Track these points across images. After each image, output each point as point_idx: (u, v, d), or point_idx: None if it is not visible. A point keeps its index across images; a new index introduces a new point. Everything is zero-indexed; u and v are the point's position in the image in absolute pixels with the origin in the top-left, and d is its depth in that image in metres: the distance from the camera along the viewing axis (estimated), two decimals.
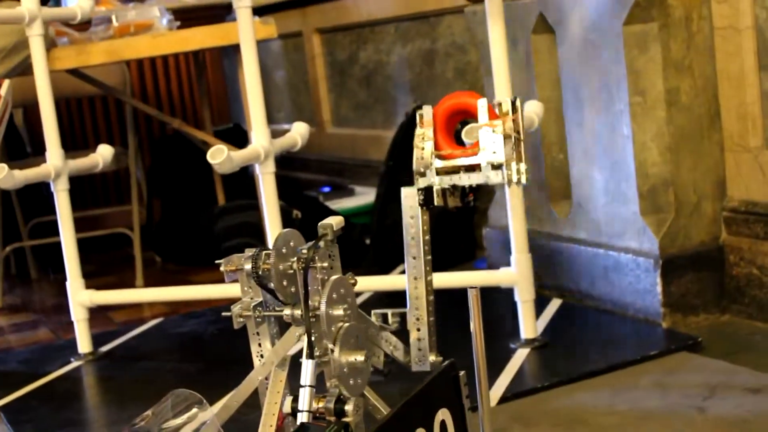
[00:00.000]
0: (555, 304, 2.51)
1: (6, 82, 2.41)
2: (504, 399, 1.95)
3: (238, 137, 4.00)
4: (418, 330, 1.56)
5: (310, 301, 1.37)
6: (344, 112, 4.05)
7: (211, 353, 2.50)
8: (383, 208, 3.15)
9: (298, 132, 2.43)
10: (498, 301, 2.46)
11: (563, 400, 1.92)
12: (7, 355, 2.71)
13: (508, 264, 2.24)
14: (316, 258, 1.40)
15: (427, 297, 1.57)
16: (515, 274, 2.20)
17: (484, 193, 3.03)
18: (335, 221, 1.45)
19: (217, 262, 1.49)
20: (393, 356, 1.55)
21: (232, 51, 3.96)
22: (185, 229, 3.74)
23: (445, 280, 2.21)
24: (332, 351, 1.36)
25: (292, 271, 1.42)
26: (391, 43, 3.65)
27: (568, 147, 2.49)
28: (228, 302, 2.92)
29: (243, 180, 3.72)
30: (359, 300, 2.47)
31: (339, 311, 1.39)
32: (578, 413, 1.84)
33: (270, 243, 2.23)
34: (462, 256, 3.02)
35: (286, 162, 4.22)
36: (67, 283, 2.51)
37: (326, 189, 3.78)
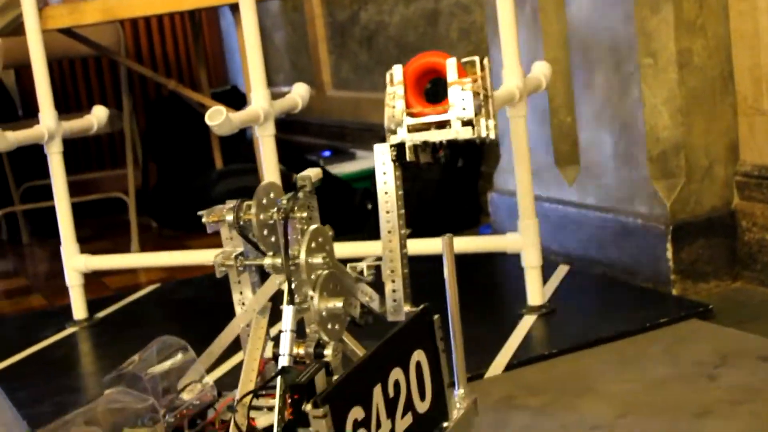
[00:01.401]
0: (562, 270, 2.46)
1: None
2: (510, 366, 1.91)
3: (236, 99, 3.94)
4: (393, 282, 1.61)
5: (290, 250, 1.42)
6: (345, 75, 4.00)
7: (208, 319, 2.44)
8: None
9: (298, 93, 2.38)
10: (504, 267, 2.42)
11: (571, 367, 1.89)
12: (0, 321, 2.66)
13: (514, 229, 2.20)
14: (296, 208, 1.45)
15: (400, 250, 1.62)
16: (522, 239, 2.15)
17: (489, 158, 2.98)
18: (313, 173, 1.50)
19: (199, 213, 1.53)
20: (369, 307, 1.60)
21: (230, 11, 3.90)
22: (182, 194, 3.69)
23: (438, 246, 2.15)
24: (312, 297, 1.42)
25: (272, 222, 1.47)
26: (393, 3, 3.59)
27: (576, 110, 2.43)
28: None
29: (241, 144, 3.67)
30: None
31: (318, 259, 1.44)
32: (586, 381, 1.81)
33: None
34: (466, 221, 2.98)
35: (285, 126, 4.16)
36: (62, 248, 2.46)
37: (327, 153, 3.73)
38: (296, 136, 4.29)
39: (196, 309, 2.56)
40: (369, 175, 3.30)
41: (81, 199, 3.52)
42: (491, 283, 2.45)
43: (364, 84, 3.87)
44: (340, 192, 3.21)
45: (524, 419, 1.67)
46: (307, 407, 1.20)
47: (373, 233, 3.05)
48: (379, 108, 4.08)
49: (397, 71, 1.60)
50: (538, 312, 2.16)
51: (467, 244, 2.25)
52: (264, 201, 1.47)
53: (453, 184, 2.97)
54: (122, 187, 3.70)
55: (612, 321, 2.08)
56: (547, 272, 2.35)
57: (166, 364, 1.47)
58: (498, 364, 1.91)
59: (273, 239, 1.48)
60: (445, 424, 1.44)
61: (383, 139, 3.50)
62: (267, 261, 1.47)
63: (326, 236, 1.48)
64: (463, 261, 2.17)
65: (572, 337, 2.01)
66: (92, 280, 2.86)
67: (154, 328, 2.44)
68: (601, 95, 2.33)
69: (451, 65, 1.57)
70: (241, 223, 1.47)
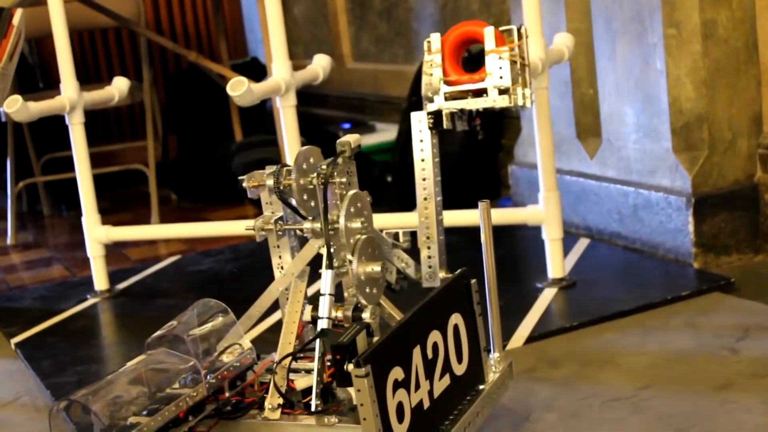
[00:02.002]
0: (583, 243, 2.45)
1: (18, 11, 2.34)
2: (531, 339, 1.91)
3: (256, 71, 3.93)
4: (428, 248, 1.64)
5: (329, 215, 1.46)
6: (365, 46, 3.98)
7: (229, 291, 2.46)
8: (405, 146, 3.09)
9: (319, 64, 2.37)
10: (525, 240, 2.41)
11: (592, 340, 1.89)
12: (22, 292, 2.68)
13: (534, 202, 2.18)
14: (335, 174, 1.47)
15: (436, 216, 1.64)
16: (543, 211, 2.14)
17: (510, 130, 2.97)
18: (353, 139, 1.53)
19: (240, 177, 1.55)
20: (405, 273, 1.63)
21: None
22: (201, 166, 3.69)
23: (470, 217, 2.15)
24: (350, 262, 1.44)
25: (312, 187, 1.49)
26: None
27: (599, 81, 2.41)
28: (246, 240, 2.91)
29: (260, 116, 3.66)
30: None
31: (357, 224, 1.46)
32: (607, 354, 1.81)
33: None
34: (486, 194, 2.97)
35: (305, 98, 4.14)
36: (83, 219, 2.46)
37: (346, 125, 3.72)
38: (315, 109, 4.28)
39: (216, 280, 2.56)
40: (388, 148, 3.29)
41: (101, 170, 3.52)
42: (512, 255, 2.44)
43: (383, 56, 3.85)
44: (359, 164, 3.20)
45: (545, 391, 1.67)
46: (350, 367, 1.21)
47: (392, 206, 3.05)
48: (399, 80, 4.08)
49: (435, 39, 1.62)
50: (559, 285, 2.16)
51: None
52: (304, 166, 1.49)
53: (473, 156, 2.95)
54: (142, 159, 3.70)
55: (633, 294, 2.07)
56: (567, 245, 2.34)
57: (207, 327, 1.49)
58: (519, 337, 1.91)
59: (312, 204, 1.50)
60: (481, 387, 1.46)
61: (403, 112, 3.50)
62: (306, 225, 1.50)
63: (364, 201, 1.50)
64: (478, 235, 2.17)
65: (593, 310, 2.00)
66: (113, 251, 2.87)
67: (175, 299, 2.45)
68: (624, 67, 2.31)
69: (488, 34, 1.59)
70: (281, 187, 1.49)
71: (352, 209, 1.46)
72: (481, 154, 3.00)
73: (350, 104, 4.07)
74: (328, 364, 1.41)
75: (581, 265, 2.30)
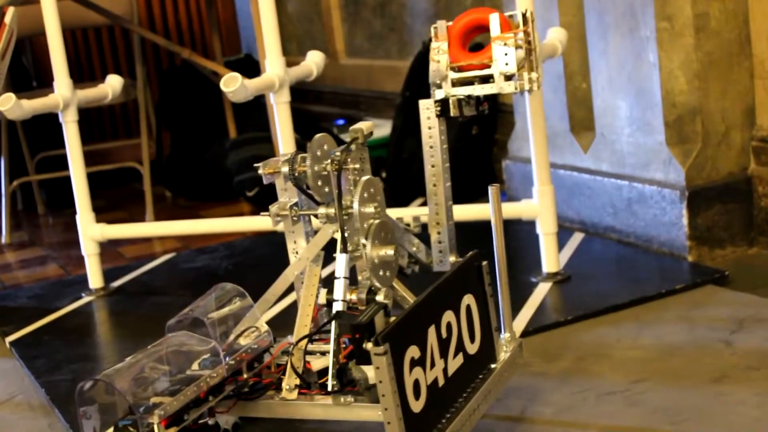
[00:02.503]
0: (577, 237, 2.45)
1: (11, 10, 2.34)
2: (526, 333, 1.91)
3: (250, 68, 3.92)
4: (438, 233, 1.66)
5: (343, 200, 1.49)
6: (358, 42, 3.97)
7: None
8: (399, 141, 3.09)
9: (313, 61, 2.37)
10: (519, 234, 2.41)
11: (586, 334, 1.89)
12: (16, 291, 2.68)
13: (528, 197, 2.19)
14: (349, 160, 1.51)
15: (446, 202, 1.66)
16: (537, 206, 2.14)
17: (504, 125, 2.97)
18: (365, 126, 1.55)
19: (255, 165, 1.59)
20: (416, 257, 1.65)
21: None
22: (196, 163, 3.69)
23: (465, 212, 2.16)
24: (364, 246, 1.47)
25: (326, 173, 1.53)
26: None
27: (592, 75, 2.41)
28: (241, 236, 2.91)
29: (254, 112, 3.65)
30: None
31: (370, 209, 1.50)
32: (602, 347, 1.81)
33: None
34: (480, 189, 2.96)
35: (299, 94, 4.13)
36: (77, 217, 2.46)
37: (340, 122, 3.72)
38: (310, 105, 4.28)
39: (211, 278, 2.56)
40: (383, 144, 3.28)
41: (96, 168, 3.52)
42: (506, 250, 2.42)
43: (377, 52, 3.85)
44: None
45: (540, 385, 1.67)
46: (369, 345, 1.23)
47: (387, 201, 3.04)
48: (393, 75, 4.08)
49: (441, 26, 1.63)
50: (553, 279, 2.16)
51: (482, 211, 2.24)
52: (318, 153, 1.53)
53: (467, 151, 2.95)
54: (136, 156, 3.69)
55: (627, 287, 2.08)
56: (562, 239, 2.34)
57: (225, 310, 1.52)
58: (514, 331, 1.90)
59: (326, 190, 1.54)
60: (492, 366, 1.49)
61: (397, 107, 3.50)
62: (321, 211, 1.53)
63: (377, 187, 1.53)
64: (478, 228, 2.16)
65: (588, 304, 2.00)
66: (108, 249, 2.87)
67: (170, 296, 2.45)
68: (617, 60, 2.31)
69: (494, 20, 1.59)
70: (296, 174, 1.53)
71: (365, 195, 1.50)
72: (475, 149, 3.00)
73: (344, 100, 4.07)
74: (344, 345, 1.44)
75: (576, 259, 2.31)
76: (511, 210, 2.22)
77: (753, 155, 2.25)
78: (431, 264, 1.67)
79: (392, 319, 1.33)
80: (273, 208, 1.57)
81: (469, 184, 2.94)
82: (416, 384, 1.28)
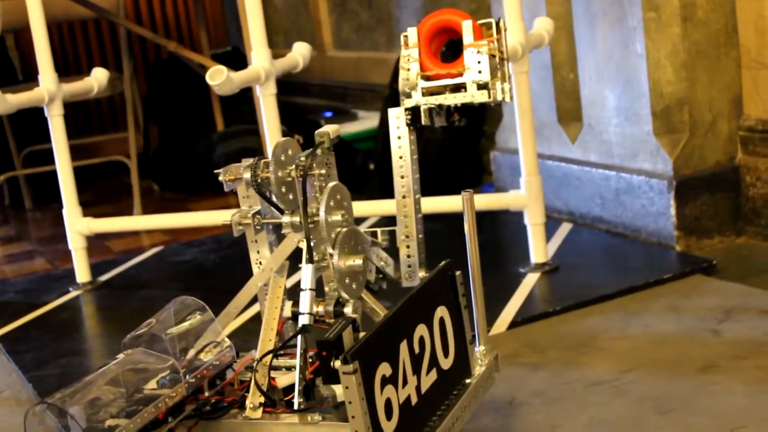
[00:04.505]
0: (565, 228, 2.45)
1: None
2: (514, 324, 1.91)
3: (237, 61, 3.90)
4: (408, 247, 1.61)
5: (308, 208, 1.42)
6: (346, 35, 3.96)
7: (212, 281, 2.45)
8: (387, 133, 3.08)
9: (299, 52, 2.36)
10: (507, 225, 2.41)
11: (575, 324, 1.89)
12: (3, 285, 2.67)
13: (516, 188, 2.18)
14: (314, 165, 1.44)
15: (415, 215, 1.61)
16: (525, 196, 2.14)
17: (491, 117, 2.96)
18: (331, 129, 1.48)
19: (216, 171, 1.51)
20: (384, 272, 1.58)
21: None
22: (183, 156, 3.67)
23: (452, 204, 2.15)
24: (331, 255, 1.40)
25: (290, 179, 1.45)
26: None
27: (579, 66, 2.41)
28: (228, 230, 2.89)
29: (241, 105, 3.64)
30: (364, 225, 2.43)
31: (337, 217, 1.42)
32: (590, 338, 1.81)
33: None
34: (469, 181, 2.96)
35: (286, 87, 4.13)
36: (64, 212, 2.45)
37: (328, 114, 3.71)
38: (297, 98, 4.27)
39: (199, 271, 2.55)
40: (371, 136, 3.28)
41: (82, 162, 3.50)
42: (494, 241, 2.44)
43: (365, 44, 3.84)
44: (341, 152, 3.19)
45: (528, 376, 1.67)
46: (337, 364, 1.17)
47: (375, 193, 3.05)
48: (380, 67, 4.06)
49: (411, 34, 1.59)
50: (541, 269, 2.16)
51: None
52: (282, 158, 1.45)
53: (455, 144, 2.95)
54: (123, 150, 3.68)
55: (616, 277, 2.08)
56: (550, 230, 2.34)
57: (185, 325, 1.45)
58: (502, 322, 1.91)
59: (291, 197, 1.46)
60: (467, 381, 1.43)
61: (385, 99, 3.49)
62: (285, 219, 1.46)
63: (344, 193, 1.46)
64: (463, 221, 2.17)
65: (576, 294, 2.00)
66: (95, 243, 2.86)
67: (157, 290, 2.44)
68: (604, 51, 2.31)
69: (467, 27, 1.56)
70: (259, 180, 1.45)
71: (331, 202, 1.43)
72: (464, 140, 2.99)
73: (332, 92, 4.06)
74: (310, 360, 1.39)
75: (564, 249, 2.31)
76: (499, 201, 2.22)
77: (740, 145, 2.25)
78: (399, 279, 1.62)
79: (362, 334, 1.27)
80: (234, 216, 1.50)
81: (458, 176, 2.94)
82: (388, 403, 1.22)
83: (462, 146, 2.99)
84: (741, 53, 2.23)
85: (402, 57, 1.59)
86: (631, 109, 2.27)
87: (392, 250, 1.60)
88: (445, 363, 1.38)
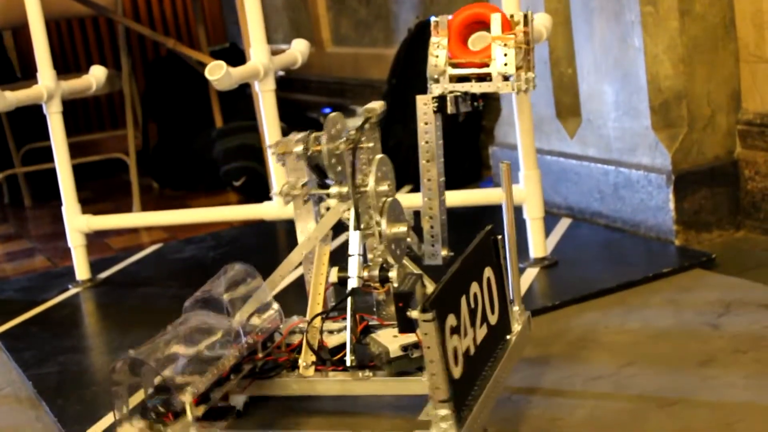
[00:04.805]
0: (564, 223, 2.46)
1: None
2: None
3: (235, 57, 3.90)
4: (432, 227, 1.68)
5: (356, 179, 1.52)
6: (344, 31, 3.96)
7: (211, 278, 2.45)
8: (386, 129, 3.08)
9: (297, 49, 2.36)
10: None
11: (574, 319, 1.89)
12: (3, 283, 2.67)
13: (515, 182, 2.18)
14: (363, 139, 1.54)
15: (439, 197, 1.68)
16: (524, 191, 2.14)
17: (490, 112, 2.96)
18: (378, 105, 1.58)
19: (268, 145, 1.65)
20: (409, 247, 1.65)
21: None
22: (182, 153, 3.68)
23: (452, 199, 2.15)
24: (378, 223, 1.51)
25: (338, 152, 1.55)
26: None
27: (577, 61, 2.41)
28: (228, 226, 2.90)
29: (240, 101, 3.65)
30: None
31: (384, 187, 1.53)
32: (590, 332, 1.81)
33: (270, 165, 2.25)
34: (468, 176, 2.97)
35: (285, 84, 4.14)
36: (63, 209, 2.45)
37: (327, 110, 3.71)
38: (296, 94, 4.27)
39: (199, 268, 2.55)
40: None
41: (82, 160, 3.51)
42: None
43: (363, 40, 3.84)
44: None
45: (528, 370, 1.67)
46: (414, 313, 1.26)
47: None
48: (379, 63, 4.07)
49: (442, 21, 1.65)
50: (540, 264, 2.16)
51: (469, 197, 2.24)
52: (332, 132, 1.55)
53: (454, 138, 2.95)
54: (123, 147, 3.69)
55: (615, 272, 2.08)
56: (549, 225, 2.34)
57: (240, 290, 1.53)
58: None
59: (339, 169, 1.56)
60: (508, 337, 1.52)
61: (383, 95, 3.49)
62: (334, 189, 1.56)
63: (389, 166, 1.56)
64: (465, 215, 2.17)
65: (575, 289, 2.00)
66: (94, 241, 2.86)
67: (157, 287, 2.44)
68: (602, 45, 2.31)
69: (495, 20, 1.61)
70: (310, 153, 1.55)
71: (379, 173, 1.52)
72: (463, 136, 2.99)
73: (331, 89, 4.06)
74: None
75: (563, 244, 2.31)
76: (498, 195, 2.22)
77: (739, 138, 2.25)
78: (422, 256, 1.68)
79: (428, 289, 1.36)
80: (284, 187, 1.58)
81: (457, 171, 2.94)
82: (455, 351, 1.30)
83: (461, 141, 2.99)
84: (739, 47, 2.23)
85: (432, 44, 1.64)
86: (630, 104, 2.27)
87: (416, 230, 1.67)
88: (492, 319, 1.47)
